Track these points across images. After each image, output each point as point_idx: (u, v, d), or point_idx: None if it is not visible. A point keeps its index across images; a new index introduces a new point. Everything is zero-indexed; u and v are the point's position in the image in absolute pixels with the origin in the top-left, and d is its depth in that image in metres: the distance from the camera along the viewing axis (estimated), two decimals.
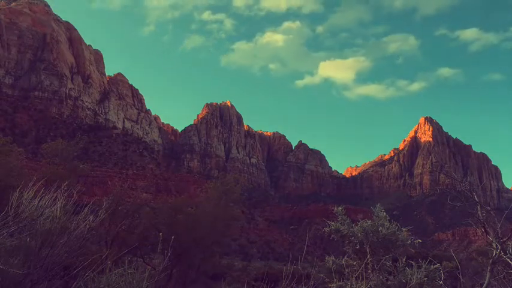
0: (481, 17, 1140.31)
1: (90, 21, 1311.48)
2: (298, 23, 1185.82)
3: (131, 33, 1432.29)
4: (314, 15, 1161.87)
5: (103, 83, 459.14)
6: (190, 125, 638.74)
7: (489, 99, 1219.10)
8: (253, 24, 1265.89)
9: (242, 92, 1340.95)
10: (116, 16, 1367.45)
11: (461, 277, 14.49)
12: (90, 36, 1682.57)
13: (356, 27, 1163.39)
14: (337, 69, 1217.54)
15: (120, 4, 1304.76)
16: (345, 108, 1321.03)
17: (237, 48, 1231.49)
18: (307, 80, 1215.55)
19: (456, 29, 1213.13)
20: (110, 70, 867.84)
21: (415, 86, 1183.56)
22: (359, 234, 13.71)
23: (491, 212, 13.88)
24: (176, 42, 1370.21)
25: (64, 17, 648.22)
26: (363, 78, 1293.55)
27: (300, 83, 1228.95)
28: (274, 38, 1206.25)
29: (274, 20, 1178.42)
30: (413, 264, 12.74)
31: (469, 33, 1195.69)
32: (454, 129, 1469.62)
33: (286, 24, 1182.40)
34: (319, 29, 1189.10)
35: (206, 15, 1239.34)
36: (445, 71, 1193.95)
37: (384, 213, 14.35)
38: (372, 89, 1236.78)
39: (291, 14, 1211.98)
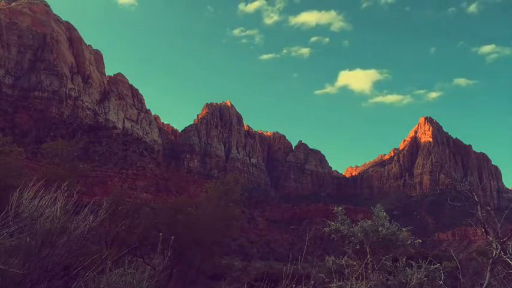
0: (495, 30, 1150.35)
1: (91, 22, 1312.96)
2: (326, 39, 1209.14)
3: (132, 33, 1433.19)
4: (342, 33, 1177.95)
5: (103, 83, 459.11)
6: (190, 125, 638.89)
7: (489, 99, 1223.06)
8: (283, 38, 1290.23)
9: (245, 92, 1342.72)
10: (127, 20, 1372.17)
11: (461, 277, 14.48)
12: (90, 37, 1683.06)
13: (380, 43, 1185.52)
14: (355, 78, 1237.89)
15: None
16: (346, 108, 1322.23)
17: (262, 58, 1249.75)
18: (328, 89, 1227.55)
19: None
20: (110, 70, 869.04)
21: (430, 94, 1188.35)
22: (359, 234, 13.71)
23: (491, 212, 13.88)
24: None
25: (64, 17, 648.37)
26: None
27: (319, 92, 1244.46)
28: (301, 52, 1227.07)
29: (303, 34, 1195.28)
30: (413, 264, 12.74)
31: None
32: (454, 129, 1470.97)
33: (314, 39, 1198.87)
34: (345, 43, 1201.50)
35: (237, 31, 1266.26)
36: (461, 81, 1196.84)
37: (384, 213, 14.35)
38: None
39: (320, 30, 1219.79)
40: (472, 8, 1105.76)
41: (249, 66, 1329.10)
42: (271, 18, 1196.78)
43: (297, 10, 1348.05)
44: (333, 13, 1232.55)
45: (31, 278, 9.87)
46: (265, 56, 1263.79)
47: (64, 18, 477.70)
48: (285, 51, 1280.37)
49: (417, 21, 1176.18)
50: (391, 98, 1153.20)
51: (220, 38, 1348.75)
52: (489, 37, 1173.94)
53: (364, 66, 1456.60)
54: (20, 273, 9.42)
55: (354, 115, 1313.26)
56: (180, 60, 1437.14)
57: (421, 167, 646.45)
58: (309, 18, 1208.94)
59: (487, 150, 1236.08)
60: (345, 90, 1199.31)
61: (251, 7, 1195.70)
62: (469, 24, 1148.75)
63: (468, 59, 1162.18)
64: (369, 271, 13.10)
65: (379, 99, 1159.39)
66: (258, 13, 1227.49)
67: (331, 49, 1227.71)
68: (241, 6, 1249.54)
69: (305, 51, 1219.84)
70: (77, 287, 9.97)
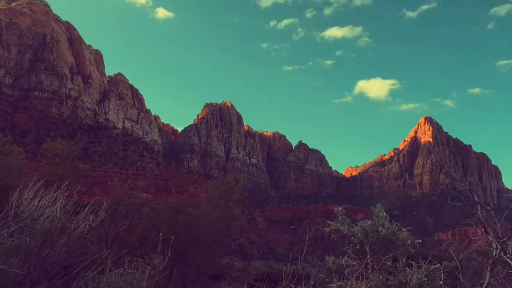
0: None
1: (91, 22, 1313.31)
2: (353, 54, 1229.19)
3: (133, 33, 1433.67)
4: (367, 48, 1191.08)
5: (103, 83, 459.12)
6: (190, 125, 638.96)
7: (489, 99, 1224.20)
8: (309, 51, 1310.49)
9: (245, 92, 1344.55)
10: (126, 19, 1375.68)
11: (461, 277, 14.48)
12: (90, 37, 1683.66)
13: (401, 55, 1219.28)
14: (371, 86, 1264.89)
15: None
16: (345, 108, 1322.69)
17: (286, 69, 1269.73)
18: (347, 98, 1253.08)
19: None
20: (110, 70, 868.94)
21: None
22: (359, 234, 13.71)
23: (491, 212, 13.88)
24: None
25: (64, 17, 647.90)
26: None
27: (338, 101, 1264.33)
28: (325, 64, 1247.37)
29: (329, 48, 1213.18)
30: (413, 264, 12.74)
31: None
32: (454, 129, 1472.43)
33: (339, 52, 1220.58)
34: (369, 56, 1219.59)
35: (266, 46, 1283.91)
36: None
37: (384, 213, 14.35)
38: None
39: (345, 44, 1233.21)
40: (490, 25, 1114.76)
41: (273, 76, 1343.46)
42: (298, 35, 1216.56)
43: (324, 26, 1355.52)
44: (358, 29, 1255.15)
45: (31, 278, 9.86)
46: (289, 68, 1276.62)
47: (64, 18, 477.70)
48: (310, 63, 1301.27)
49: (438, 35, 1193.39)
50: (406, 107, 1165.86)
51: (248, 49, 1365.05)
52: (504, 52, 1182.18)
53: (382, 76, 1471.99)
54: (20, 273, 9.41)
55: (355, 115, 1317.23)
56: (180, 60, 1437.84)
57: (421, 167, 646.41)
58: (335, 33, 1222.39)
59: (487, 150, 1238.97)
60: (361, 98, 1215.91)
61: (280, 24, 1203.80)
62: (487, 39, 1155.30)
63: (481, 69, 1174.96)
64: (369, 271, 13.10)
65: (394, 107, 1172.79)
66: (288, 29, 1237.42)
67: (352, 60, 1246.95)
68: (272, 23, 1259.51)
69: (329, 62, 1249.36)
70: (77, 287, 9.97)
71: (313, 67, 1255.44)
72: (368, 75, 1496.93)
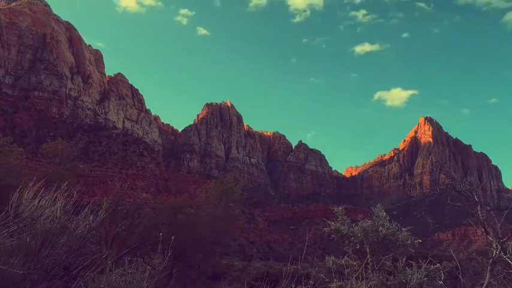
0: None
1: (91, 21, 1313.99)
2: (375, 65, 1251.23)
3: (132, 32, 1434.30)
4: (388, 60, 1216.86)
5: (103, 83, 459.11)
6: (190, 125, 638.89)
7: (489, 99, 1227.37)
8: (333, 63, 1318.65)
9: (245, 92, 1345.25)
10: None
11: (461, 277, 14.47)
12: (90, 37, 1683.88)
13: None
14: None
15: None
16: (346, 108, 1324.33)
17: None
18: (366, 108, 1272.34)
19: None
20: (110, 70, 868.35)
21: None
22: (359, 234, 13.70)
23: (491, 212, 13.88)
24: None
25: (64, 17, 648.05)
26: None
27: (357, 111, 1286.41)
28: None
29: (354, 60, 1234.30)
30: (413, 264, 12.74)
31: None
32: (454, 129, 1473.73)
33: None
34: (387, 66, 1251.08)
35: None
36: None
37: (384, 213, 14.35)
38: None
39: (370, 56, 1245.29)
40: None
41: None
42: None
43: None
44: (381, 45, 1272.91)
45: (31, 278, 9.86)
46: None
47: (64, 18, 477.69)
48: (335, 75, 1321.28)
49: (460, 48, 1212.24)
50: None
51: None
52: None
53: (402, 86, 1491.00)
54: (20, 273, 9.41)
55: (355, 115, 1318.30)
56: (180, 60, 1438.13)
57: (421, 167, 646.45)
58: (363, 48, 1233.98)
59: (487, 150, 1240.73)
60: (380, 106, 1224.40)
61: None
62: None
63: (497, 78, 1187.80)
64: (369, 271, 13.10)
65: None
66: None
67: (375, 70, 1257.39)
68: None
69: (353, 75, 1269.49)
70: (77, 287, 9.97)
71: (339, 79, 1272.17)
72: (387, 86, 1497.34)
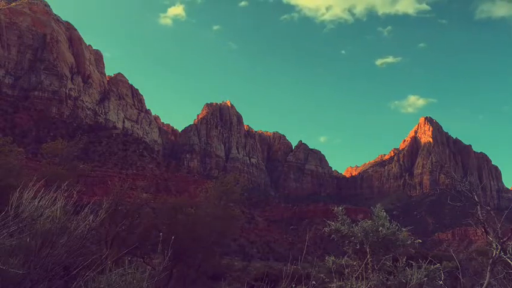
0: None
1: (91, 21, 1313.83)
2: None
3: (133, 33, 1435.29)
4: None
5: (103, 83, 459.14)
6: (190, 125, 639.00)
7: (488, 99, 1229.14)
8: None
9: (245, 92, 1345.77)
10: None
11: (461, 277, 14.48)
12: (90, 37, 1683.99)
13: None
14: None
15: None
16: (345, 107, 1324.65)
17: None
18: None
19: None
20: (110, 70, 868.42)
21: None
22: (359, 234, 13.70)
23: (491, 212, 13.87)
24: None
25: (64, 17, 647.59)
26: None
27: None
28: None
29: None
30: (413, 264, 12.74)
31: None
32: (454, 129, 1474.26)
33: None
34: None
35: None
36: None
37: (384, 213, 14.34)
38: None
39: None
40: None
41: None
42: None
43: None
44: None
45: (31, 278, 9.86)
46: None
47: (64, 18, 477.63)
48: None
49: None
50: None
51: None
52: None
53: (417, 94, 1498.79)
54: (20, 273, 9.42)
55: (354, 115, 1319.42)
56: (180, 60, 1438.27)
57: (421, 167, 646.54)
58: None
59: (487, 150, 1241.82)
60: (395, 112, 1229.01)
61: None
62: None
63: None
64: (369, 271, 13.10)
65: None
66: None
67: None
68: None
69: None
70: (77, 287, 9.97)
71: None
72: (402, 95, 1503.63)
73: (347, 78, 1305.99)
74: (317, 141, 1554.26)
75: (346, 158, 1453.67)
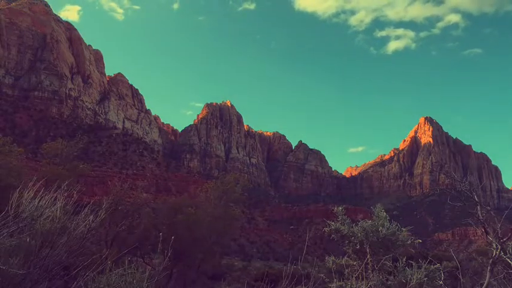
0: None
1: (91, 21, 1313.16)
2: None
3: (132, 32, 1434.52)
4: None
5: (103, 83, 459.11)
6: (190, 125, 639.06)
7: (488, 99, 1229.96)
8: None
9: (244, 92, 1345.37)
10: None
11: (461, 277, 14.48)
12: (90, 37, 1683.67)
13: None
14: None
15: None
16: (346, 107, 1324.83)
17: None
18: None
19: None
20: (110, 70, 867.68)
21: None
22: (359, 234, 13.70)
23: (491, 212, 13.87)
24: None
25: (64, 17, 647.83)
26: None
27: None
28: None
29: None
30: (413, 264, 12.74)
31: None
32: (454, 129, 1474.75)
33: None
34: None
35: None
36: None
37: (384, 213, 14.34)
38: None
39: None
40: None
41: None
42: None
43: None
44: None
45: (31, 278, 9.86)
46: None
47: (64, 18, 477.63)
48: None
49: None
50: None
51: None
52: None
53: None
54: (20, 273, 9.42)
55: (354, 114, 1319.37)
56: (180, 60, 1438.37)
57: (421, 167, 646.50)
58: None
59: (487, 150, 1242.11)
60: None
61: None
62: None
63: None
64: (369, 271, 13.10)
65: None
66: None
67: None
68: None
69: None
70: (77, 287, 9.97)
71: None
72: None
73: (348, 77, 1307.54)
74: (317, 141, 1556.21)
75: (346, 158, 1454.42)
